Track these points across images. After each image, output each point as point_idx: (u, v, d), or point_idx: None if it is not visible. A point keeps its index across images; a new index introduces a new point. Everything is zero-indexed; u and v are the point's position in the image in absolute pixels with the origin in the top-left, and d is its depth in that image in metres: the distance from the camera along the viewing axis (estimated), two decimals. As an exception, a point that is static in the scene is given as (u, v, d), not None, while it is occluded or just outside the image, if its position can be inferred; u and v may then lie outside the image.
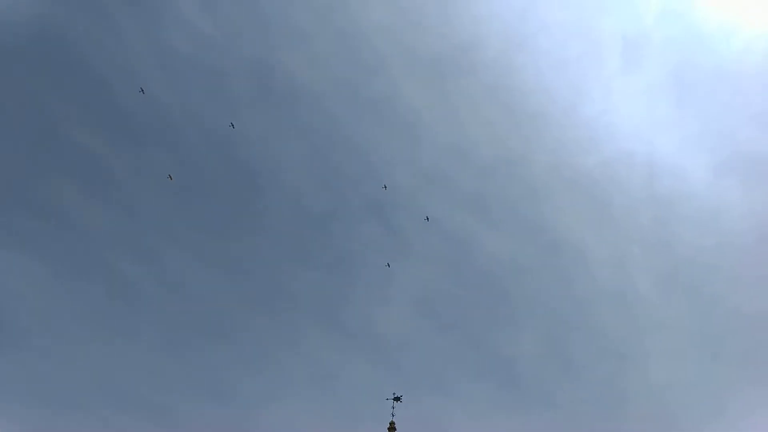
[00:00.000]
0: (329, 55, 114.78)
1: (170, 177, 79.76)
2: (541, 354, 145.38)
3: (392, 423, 37.91)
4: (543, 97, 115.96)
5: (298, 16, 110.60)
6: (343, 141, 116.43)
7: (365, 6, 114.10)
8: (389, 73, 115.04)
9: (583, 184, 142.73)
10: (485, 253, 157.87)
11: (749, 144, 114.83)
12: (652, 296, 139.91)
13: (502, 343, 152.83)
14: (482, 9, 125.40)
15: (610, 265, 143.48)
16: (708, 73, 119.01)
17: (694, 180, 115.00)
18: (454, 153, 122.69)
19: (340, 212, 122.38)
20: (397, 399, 39.74)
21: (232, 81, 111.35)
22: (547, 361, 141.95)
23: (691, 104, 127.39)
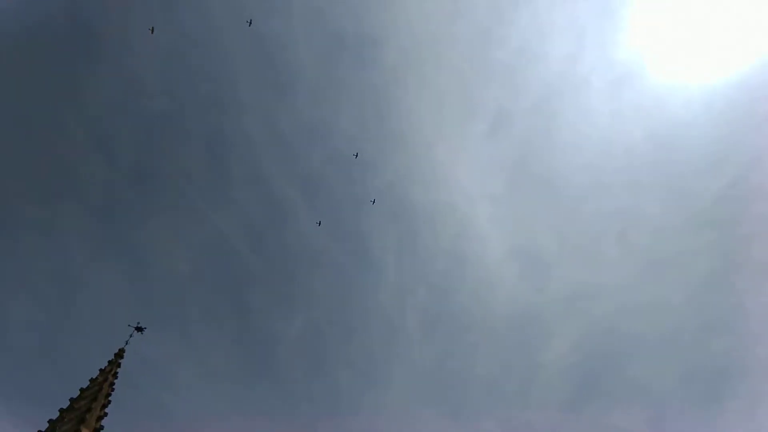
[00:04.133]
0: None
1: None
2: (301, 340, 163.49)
3: (121, 350, 38.30)
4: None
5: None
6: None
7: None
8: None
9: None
10: (297, 232, 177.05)
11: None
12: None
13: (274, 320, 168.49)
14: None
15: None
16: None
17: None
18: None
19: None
20: (139, 329, 39.64)
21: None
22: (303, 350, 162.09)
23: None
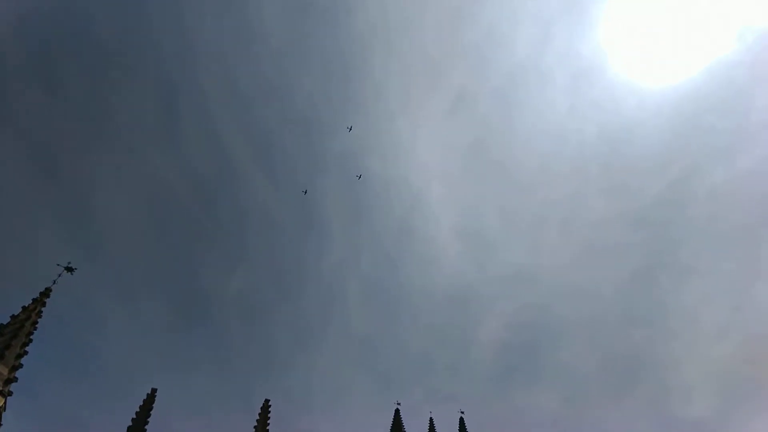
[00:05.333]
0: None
1: None
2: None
3: (48, 289, 39.66)
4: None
5: None
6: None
7: None
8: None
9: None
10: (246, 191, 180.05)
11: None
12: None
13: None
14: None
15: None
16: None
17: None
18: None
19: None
20: (69, 270, 40.73)
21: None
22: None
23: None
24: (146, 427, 33.60)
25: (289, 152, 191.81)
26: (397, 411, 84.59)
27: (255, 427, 36.73)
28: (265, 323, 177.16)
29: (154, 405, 34.47)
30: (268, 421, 36.56)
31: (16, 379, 35.51)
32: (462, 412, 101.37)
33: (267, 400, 37.47)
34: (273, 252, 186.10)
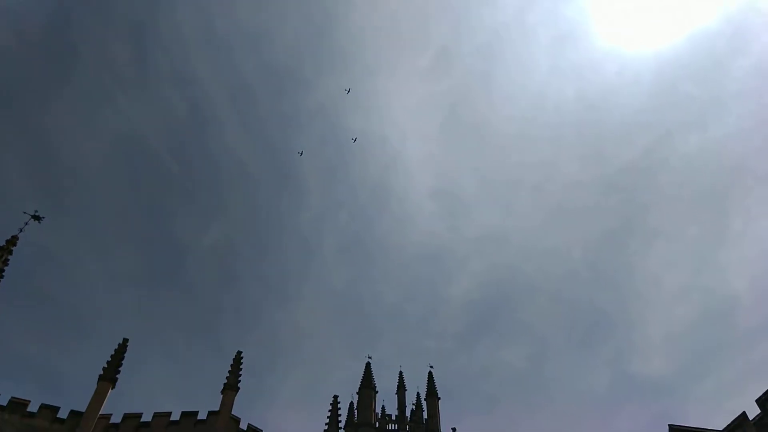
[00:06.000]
0: None
1: None
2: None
3: (14, 237, 38.65)
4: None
5: None
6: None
7: None
8: None
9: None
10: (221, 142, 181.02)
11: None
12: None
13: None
14: None
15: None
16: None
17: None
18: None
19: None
20: (36, 218, 39.76)
21: None
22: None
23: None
24: (117, 376, 33.81)
25: (265, 104, 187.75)
26: (368, 364, 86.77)
27: (227, 377, 37.28)
28: (239, 276, 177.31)
29: (125, 355, 34.61)
30: (240, 372, 37.11)
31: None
32: (431, 366, 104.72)
33: (239, 352, 37.93)
34: (249, 205, 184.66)
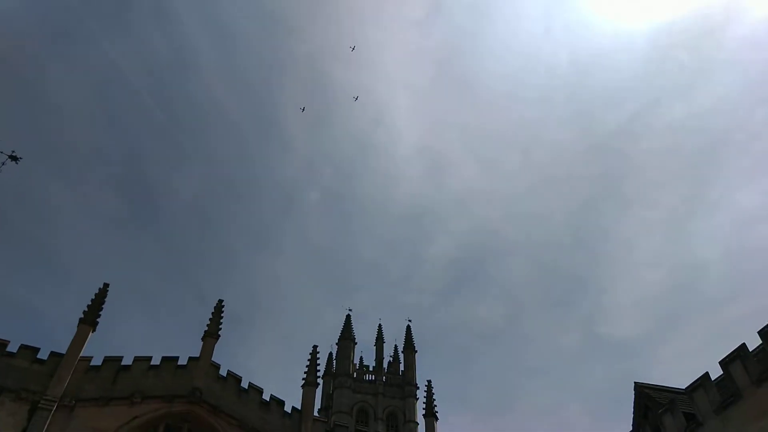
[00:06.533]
0: None
1: None
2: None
3: None
4: None
5: None
6: None
7: None
8: None
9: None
10: (205, 86, 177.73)
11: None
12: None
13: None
14: None
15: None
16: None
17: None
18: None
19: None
20: (14, 158, 38.05)
21: None
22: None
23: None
24: (98, 320, 33.93)
25: (250, 50, 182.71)
26: (348, 316, 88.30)
27: (208, 325, 37.65)
28: (220, 226, 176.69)
29: (106, 299, 34.64)
30: (221, 321, 37.49)
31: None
32: (409, 321, 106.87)
33: (220, 301, 38.19)
34: (230, 153, 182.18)
